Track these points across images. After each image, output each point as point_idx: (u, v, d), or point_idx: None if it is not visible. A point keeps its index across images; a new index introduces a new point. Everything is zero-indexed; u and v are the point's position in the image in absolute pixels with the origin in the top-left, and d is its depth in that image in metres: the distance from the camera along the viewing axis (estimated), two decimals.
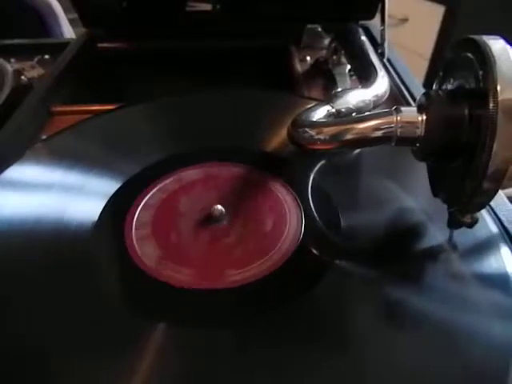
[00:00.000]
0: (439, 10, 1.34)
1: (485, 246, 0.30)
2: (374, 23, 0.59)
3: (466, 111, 0.25)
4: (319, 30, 0.60)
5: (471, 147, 0.24)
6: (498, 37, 0.24)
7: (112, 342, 0.24)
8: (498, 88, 0.22)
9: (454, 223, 0.28)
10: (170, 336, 0.25)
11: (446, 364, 0.23)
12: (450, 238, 0.29)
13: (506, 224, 0.32)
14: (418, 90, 0.48)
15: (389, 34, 0.53)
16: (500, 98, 0.22)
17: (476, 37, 0.24)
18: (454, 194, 0.27)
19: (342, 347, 0.24)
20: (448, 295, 0.27)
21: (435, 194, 0.30)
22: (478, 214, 0.28)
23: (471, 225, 0.28)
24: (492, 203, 0.32)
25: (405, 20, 1.43)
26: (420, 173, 0.32)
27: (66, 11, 0.98)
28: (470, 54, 0.25)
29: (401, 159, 0.35)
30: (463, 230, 0.28)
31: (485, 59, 0.23)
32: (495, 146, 0.22)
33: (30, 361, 0.23)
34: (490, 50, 0.23)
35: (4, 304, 0.26)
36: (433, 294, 0.27)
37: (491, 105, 0.22)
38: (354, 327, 0.25)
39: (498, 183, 0.24)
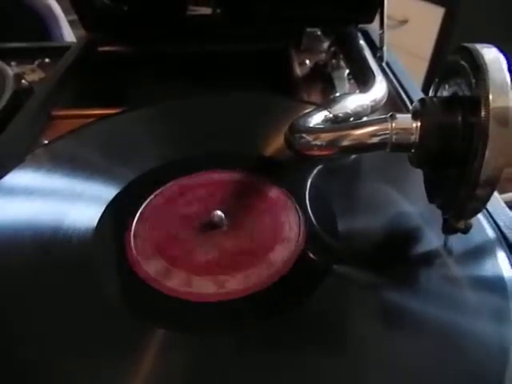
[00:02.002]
0: (439, 12, 1.34)
1: (482, 251, 0.30)
2: (373, 27, 0.60)
3: (460, 118, 0.25)
4: (319, 33, 0.60)
5: (465, 154, 0.24)
6: (491, 45, 0.24)
7: (110, 348, 0.25)
8: (490, 96, 0.22)
9: (448, 229, 0.28)
10: (169, 342, 0.25)
11: (444, 366, 0.23)
12: (448, 243, 0.30)
13: (503, 229, 0.32)
14: (417, 94, 0.48)
15: (388, 36, 0.53)
16: (492, 105, 0.22)
17: (469, 45, 0.25)
18: (448, 200, 0.28)
19: (342, 351, 0.25)
20: (446, 299, 0.27)
21: (431, 200, 0.30)
22: (473, 220, 0.28)
23: (466, 231, 0.28)
24: (490, 208, 0.33)
25: (404, 22, 1.43)
26: (417, 178, 0.32)
27: (65, 13, 0.99)
28: (463, 62, 0.25)
29: (399, 164, 0.35)
30: (462, 235, 0.28)
31: (477, 67, 0.23)
32: (487, 153, 0.22)
33: (29, 363, 0.24)
34: (483, 58, 0.23)
35: (4, 309, 0.27)
36: (431, 298, 0.27)
37: (483, 113, 0.23)
38: (354, 332, 0.26)
39: (491, 189, 0.24)
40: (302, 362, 0.24)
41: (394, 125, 0.27)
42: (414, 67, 1.35)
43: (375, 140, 0.28)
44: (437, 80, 0.30)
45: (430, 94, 0.30)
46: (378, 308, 0.27)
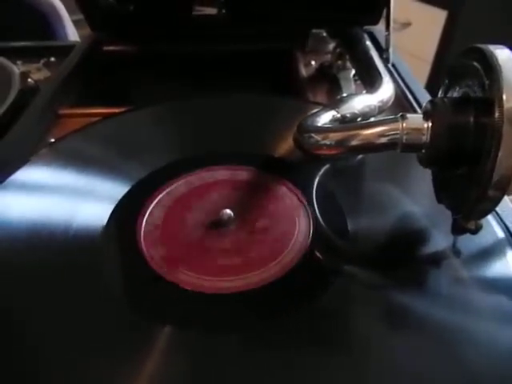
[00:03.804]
0: (441, 15, 1.35)
1: (491, 252, 0.30)
2: (379, 28, 0.60)
3: (472, 119, 0.25)
4: (324, 34, 0.60)
5: (476, 155, 0.24)
6: (503, 46, 0.24)
7: (118, 344, 0.25)
8: (504, 97, 0.22)
9: (458, 230, 0.28)
10: (176, 339, 0.25)
11: (454, 369, 0.23)
12: (457, 244, 0.30)
13: None
14: (423, 96, 0.48)
15: (392, 39, 0.53)
16: (506, 106, 0.22)
17: (482, 46, 0.25)
18: (458, 200, 0.27)
19: (349, 351, 0.25)
20: (456, 301, 0.27)
21: (440, 200, 0.30)
22: (483, 221, 0.28)
23: (475, 231, 0.28)
24: (498, 210, 0.33)
25: (407, 24, 1.44)
26: (426, 178, 0.32)
27: (69, 12, 0.99)
28: (475, 63, 0.25)
29: (408, 164, 0.35)
30: (471, 236, 0.28)
31: (491, 68, 0.23)
32: (500, 154, 0.22)
33: (31, 361, 0.24)
34: (496, 59, 0.23)
35: (11, 305, 0.27)
36: (441, 300, 0.27)
37: (497, 113, 0.22)
38: (362, 332, 0.25)
39: (503, 191, 0.24)
40: (306, 363, 0.24)
41: (404, 125, 0.27)
42: (416, 69, 1.35)
43: (385, 140, 0.28)
44: (446, 81, 0.30)
45: (440, 94, 0.30)
46: (386, 309, 0.27)
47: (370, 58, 0.47)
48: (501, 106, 0.22)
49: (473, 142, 0.25)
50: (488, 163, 0.23)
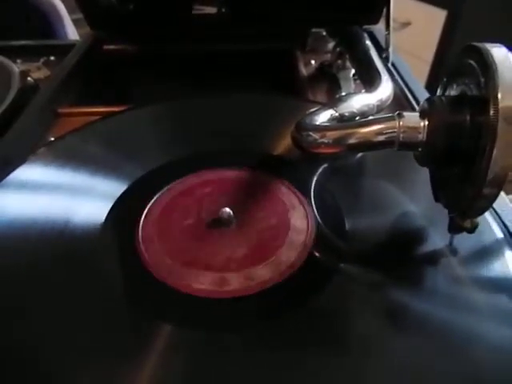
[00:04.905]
0: (441, 14, 1.35)
1: (491, 251, 0.30)
2: (378, 27, 0.60)
3: (468, 118, 0.25)
4: (324, 34, 0.60)
5: (472, 153, 0.25)
6: (500, 45, 0.24)
7: (115, 343, 0.25)
8: (499, 95, 0.22)
9: (454, 228, 0.28)
10: (176, 339, 0.25)
11: (452, 369, 0.23)
12: (454, 243, 0.30)
13: (511, 229, 0.32)
14: (423, 95, 0.48)
15: (392, 38, 0.53)
16: (501, 105, 0.22)
17: (479, 44, 0.25)
18: (454, 199, 0.28)
19: (349, 350, 0.25)
20: (455, 300, 0.27)
21: (437, 198, 0.30)
22: (481, 220, 0.28)
23: (472, 230, 0.28)
24: (497, 209, 0.33)
25: (407, 24, 1.44)
26: (424, 177, 0.32)
27: (69, 11, 0.99)
28: (472, 62, 0.25)
29: (406, 163, 0.35)
30: (471, 235, 0.28)
31: (487, 67, 0.23)
32: (495, 152, 0.23)
33: (30, 361, 0.24)
34: (492, 57, 0.23)
35: (10, 304, 0.27)
36: (439, 299, 0.27)
37: (492, 112, 0.23)
38: (361, 332, 0.26)
39: (498, 189, 0.24)
40: (306, 363, 0.24)
41: (401, 123, 0.27)
42: (416, 69, 1.35)
43: (382, 138, 0.28)
44: (444, 79, 0.30)
45: (438, 93, 0.30)
46: (385, 308, 0.27)
47: (370, 58, 0.47)
48: (496, 104, 0.22)
49: (469, 141, 0.25)
50: (483, 161, 0.23)
